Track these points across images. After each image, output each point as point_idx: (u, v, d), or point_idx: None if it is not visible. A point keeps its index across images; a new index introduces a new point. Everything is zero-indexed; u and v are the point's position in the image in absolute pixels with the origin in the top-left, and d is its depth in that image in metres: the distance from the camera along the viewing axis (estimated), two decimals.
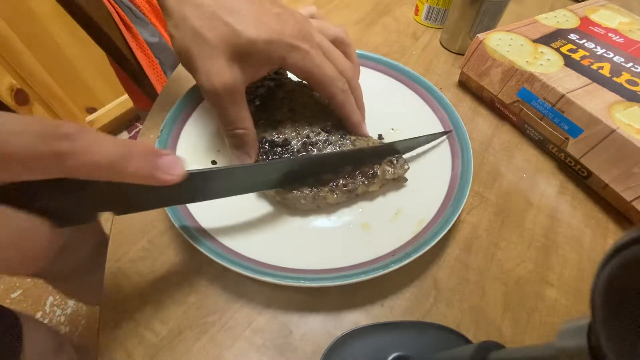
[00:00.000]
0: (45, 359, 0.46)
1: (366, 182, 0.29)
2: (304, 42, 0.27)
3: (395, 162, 0.31)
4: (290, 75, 0.37)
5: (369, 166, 0.30)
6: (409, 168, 0.31)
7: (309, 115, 0.33)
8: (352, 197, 0.30)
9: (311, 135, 0.31)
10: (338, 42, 0.31)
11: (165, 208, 0.27)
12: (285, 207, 0.29)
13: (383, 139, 0.35)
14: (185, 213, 0.27)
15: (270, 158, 0.30)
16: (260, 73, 0.29)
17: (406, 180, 0.31)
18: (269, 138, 0.31)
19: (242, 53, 0.26)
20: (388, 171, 0.30)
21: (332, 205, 0.30)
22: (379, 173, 0.29)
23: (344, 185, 0.29)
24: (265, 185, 0.28)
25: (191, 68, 0.26)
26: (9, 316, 0.41)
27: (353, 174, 0.29)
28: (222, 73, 0.25)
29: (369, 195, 0.31)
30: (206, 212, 0.28)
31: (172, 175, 0.19)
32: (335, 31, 0.31)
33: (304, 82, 0.35)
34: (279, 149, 0.30)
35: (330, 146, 0.31)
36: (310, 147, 0.31)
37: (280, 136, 0.31)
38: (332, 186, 0.28)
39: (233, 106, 0.27)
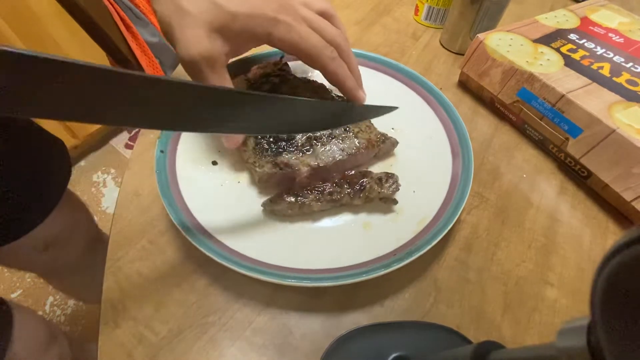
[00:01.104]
0: (37, 349, 0.46)
1: (352, 194, 0.29)
2: (288, 16, 0.27)
3: (384, 181, 0.30)
4: (293, 72, 0.37)
5: (359, 177, 0.30)
6: (398, 190, 0.29)
7: None
8: (336, 206, 0.30)
9: None
10: (323, 15, 0.31)
11: (166, 208, 0.27)
12: (275, 216, 0.29)
13: None
14: (186, 212, 0.28)
15: (273, 152, 0.30)
16: (245, 48, 0.29)
17: (395, 202, 0.30)
18: None
19: (223, 26, 0.26)
20: (374, 189, 0.29)
21: (317, 212, 0.30)
22: (367, 187, 0.29)
23: (330, 194, 0.29)
24: (247, 127, 0.24)
25: (172, 40, 0.26)
26: (0, 304, 0.41)
27: (340, 183, 0.29)
28: (200, 42, 0.25)
29: (353, 207, 0.30)
30: (206, 211, 0.28)
31: None
32: (320, 4, 0.32)
33: (308, 78, 0.36)
34: (283, 143, 0.31)
35: (334, 139, 0.31)
36: (314, 141, 0.31)
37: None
38: (317, 195, 0.28)
39: (214, 76, 0.27)
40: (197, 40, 0.25)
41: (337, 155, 0.30)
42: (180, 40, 0.25)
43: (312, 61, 0.30)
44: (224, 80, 0.27)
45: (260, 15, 0.26)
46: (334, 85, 0.32)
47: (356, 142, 0.31)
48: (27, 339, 0.43)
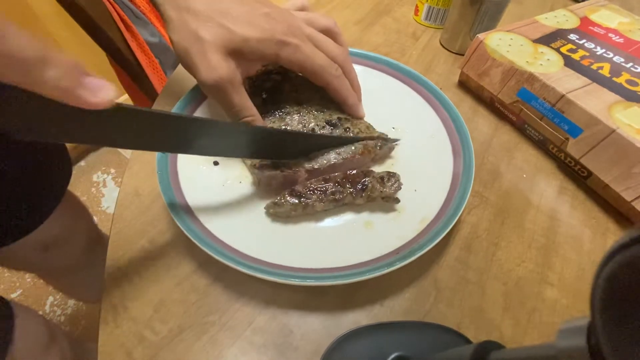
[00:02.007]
0: (38, 349, 0.46)
1: (354, 194, 0.29)
2: (294, 38, 0.29)
3: (386, 180, 0.30)
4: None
5: (361, 176, 0.30)
6: (400, 189, 0.29)
7: (315, 109, 0.33)
8: (339, 205, 0.30)
9: (316, 128, 0.32)
10: (328, 32, 0.33)
11: (167, 207, 0.27)
12: (279, 218, 0.29)
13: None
14: (187, 212, 0.28)
15: None
16: (254, 67, 0.32)
17: (398, 201, 0.30)
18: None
19: (236, 50, 0.28)
20: (376, 188, 0.29)
21: (320, 212, 0.30)
22: (369, 186, 0.29)
23: (332, 193, 0.29)
24: (240, 152, 0.29)
25: (191, 66, 0.28)
26: (1, 303, 0.41)
27: (342, 182, 0.29)
28: (220, 66, 0.27)
29: (356, 206, 0.30)
30: (208, 211, 0.28)
31: (98, 98, 0.17)
32: (325, 22, 0.33)
33: None
34: None
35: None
36: None
37: (287, 129, 0.32)
38: (320, 195, 0.29)
39: (236, 95, 0.29)
40: (217, 64, 0.27)
41: (332, 159, 0.31)
42: (201, 66, 0.27)
43: (317, 78, 0.31)
44: (243, 97, 0.29)
45: (269, 39, 0.28)
46: (336, 99, 0.34)
47: (352, 147, 0.31)
48: (28, 338, 0.43)
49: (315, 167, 0.30)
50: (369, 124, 0.34)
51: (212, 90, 0.28)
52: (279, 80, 0.35)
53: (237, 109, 0.29)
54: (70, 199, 0.55)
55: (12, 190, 0.41)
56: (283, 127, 0.32)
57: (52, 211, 0.47)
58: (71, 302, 1.00)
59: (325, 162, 0.30)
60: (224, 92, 0.28)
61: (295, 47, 0.29)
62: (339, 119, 0.33)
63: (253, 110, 0.30)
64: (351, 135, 0.32)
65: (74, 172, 0.51)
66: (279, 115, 0.32)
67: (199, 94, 0.35)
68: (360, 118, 0.34)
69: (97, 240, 0.63)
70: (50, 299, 1.00)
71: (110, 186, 1.25)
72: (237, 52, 0.28)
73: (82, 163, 1.29)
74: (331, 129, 0.32)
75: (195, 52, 0.27)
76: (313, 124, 0.32)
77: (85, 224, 0.61)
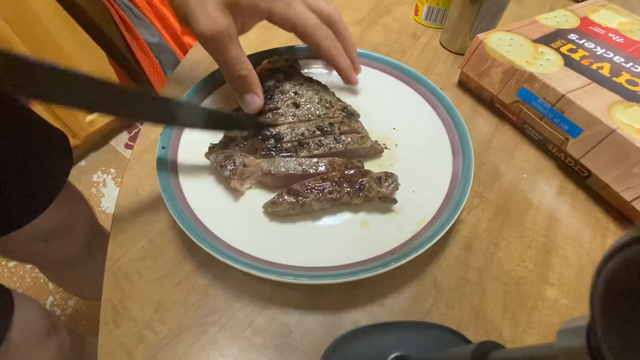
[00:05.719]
0: (36, 337, 0.46)
1: (351, 193, 0.29)
2: None
3: (384, 181, 0.29)
4: (299, 70, 0.38)
5: (358, 176, 0.29)
6: (397, 189, 0.29)
7: (311, 113, 0.33)
8: (337, 205, 0.30)
9: (306, 133, 0.32)
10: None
11: (167, 204, 0.27)
12: (277, 216, 0.29)
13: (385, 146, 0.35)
14: (187, 209, 0.28)
15: (263, 152, 0.31)
16: (248, 23, 0.32)
17: (395, 202, 0.30)
18: (265, 131, 0.32)
19: (233, 2, 0.28)
20: (374, 188, 0.29)
21: (317, 211, 0.30)
22: (366, 186, 0.29)
23: (329, 192, 0.29)
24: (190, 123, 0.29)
25: (189, 16, 0.28)
26: (1, 291, 0.41)
27: (340, 182, 0.29)
28: (219, 16, 0.28)
29: (353, 206, 0.30)
30: (207, 209, 0.28)
31: None
32: None
33: (313, 77, 0.36)
34: (272, 140, 0.31)
35: (322, 148, 0.31)
36: (304, 143, 0.31)
37: (275, 130, 0.32)
38: (317, 194, 0.28)
39: (233, 48, 0.29)
40: (216, 15, 0.27)
41: (290, 169, 0.30)
42: (201, 16, 0.27)
43: (308, 38, 0.32)
44: (240, 50, 0.30)
45: None
46: (329, 63, 0.34)
47: (315, 161, 0.31)
48: (27, 326, 0.43)
49: (272, 172, 0.30)
50: (365, 133, 0.34)
51: (209, 43, 0.28)
52: (281, 79, 0.35)
53: (234, 62, 0.29)
54: (71, 190, 0.55)
55: (12, 178, 0.41)
56: (273, 128, 0.32)
57: (52, 200, 0.47)
58: (71, 302, 1.00)
59: (283, 170, 0.30)
60: (221, 45, 0.28)
61: (288, 4, 0.30)
62: (331, 125, 0.32)
63: (248, 64, 0.30)
64: (341, 146, 0.31)
65: (74, 172, 0.51)
66: (273, 114, 0.32)
67: (199, 95, 0.35)
68: (354, 84, 0.35)
69: (98, 234, 0.63)
70: (50, 299, 1.00)
71: (110, 186, 1.25)
72: (233, 5, 0.28)
73: (82, 163, 1.30)
74: (320, 137, 0.32)
75: (194, 3, 0.27)
76: (303, 128, 0.32)
77: (86, 216, 0.61)
